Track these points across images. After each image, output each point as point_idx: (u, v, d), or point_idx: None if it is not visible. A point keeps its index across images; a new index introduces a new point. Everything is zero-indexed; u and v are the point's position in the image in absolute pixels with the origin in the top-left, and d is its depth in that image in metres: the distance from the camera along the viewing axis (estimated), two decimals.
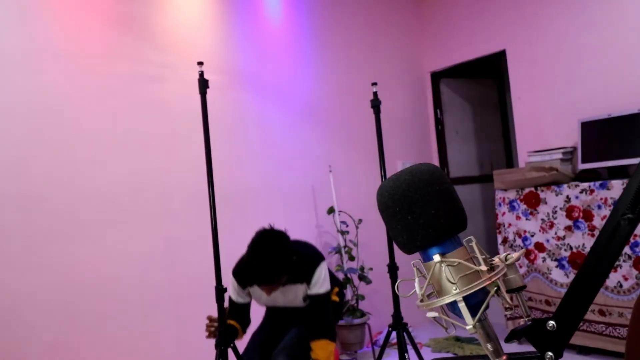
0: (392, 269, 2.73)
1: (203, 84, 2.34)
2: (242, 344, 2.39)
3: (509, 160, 5.28)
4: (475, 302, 0.67)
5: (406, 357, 2.59)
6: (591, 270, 0.72)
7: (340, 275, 3.74)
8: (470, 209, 4.77)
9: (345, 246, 3.72)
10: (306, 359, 2.28)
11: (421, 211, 0.68)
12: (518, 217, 3.51)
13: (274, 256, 2.12)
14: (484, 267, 0.67)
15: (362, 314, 3.65)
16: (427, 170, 0.71)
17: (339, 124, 4.02)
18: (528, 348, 0.75)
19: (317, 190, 3.81)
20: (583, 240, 3.14)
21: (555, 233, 3.27)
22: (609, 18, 3.43)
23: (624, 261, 2.93)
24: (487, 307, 0.67)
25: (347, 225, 3.79)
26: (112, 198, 2.84)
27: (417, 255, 0.72)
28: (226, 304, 2.34)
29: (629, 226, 0.70)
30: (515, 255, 0.74)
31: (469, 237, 0.70)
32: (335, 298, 2.49)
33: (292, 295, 2.34)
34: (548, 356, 0.72)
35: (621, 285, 2.95)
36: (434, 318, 0.69)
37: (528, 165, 3.62)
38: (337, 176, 3.84)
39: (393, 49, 4.51)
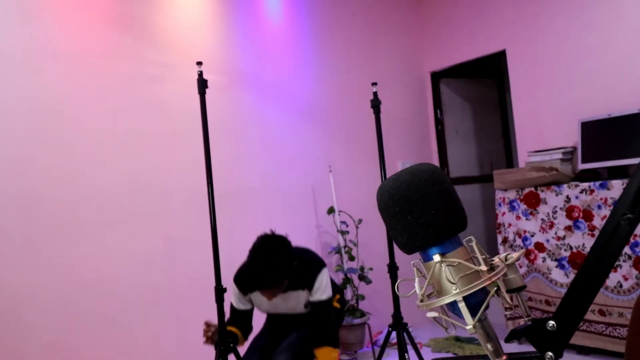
0: (392, 269, 2.73)
1: (202, 84, 2.34)
2: (242, 349, 2.39)
3: (509, 160, 5.28)
4: (475, 302, 0.67)
5: (406, 357, 2.59)
6: (591, 270, 0.72)
7: (340, 275, 3.74)
8: (470, 209, 4.77)
9: (345, 246, 3.72)
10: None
11: (421, 211, 0.68)
12: (518, 217, 3.51)
13: (275, 260, 2.12)
14: (484, 267, 0.67)
15: (362, 314, 3.65)
16: (427, 170, 0.71)
17: (339, 124, 4.02)
18: (528, 348, 0.75)
19: (317, 190, 3.81)
20: (583, 240, 3.14)
21: (555, 233, 3.27)
22: (609, 18, 3.43)
23: (624, 261, 2.93)
24: (487, 307, 0.67)
25: (347, 225, 3.79)
26: (112, 198, 2.84)
27: (417, 255, 0.72)
28: (227, 309, 2.34)
29: (629, 226, 0.70)
30: (515, 255, 0.74)
31: (469, 237, 0.70)
32: (336, 305, 2.49)
33: (293, 302, 2.32)
34: (548, 356, 0.72)
35: (621, 285, 2.95)
36: (434, 318, 0.69)
37: (528, 165, 3.62)
38: (337, 176, 3.84)
39: (393, 49, 4.51)
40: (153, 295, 2.92)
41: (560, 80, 3.71)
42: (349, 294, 3.70)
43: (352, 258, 3.68)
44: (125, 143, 2.92)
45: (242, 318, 2.40)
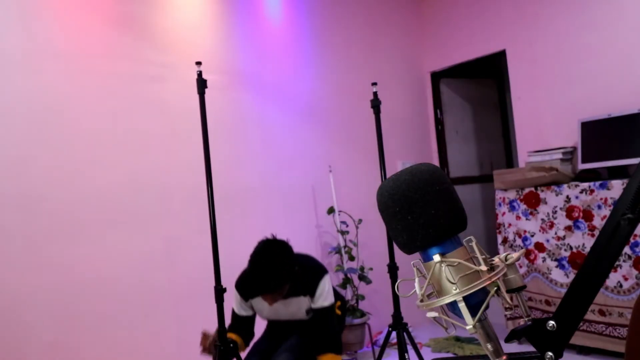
0: (392, 269, 2.73)
1: (201, 84, 2.34)
2: (242, 354, 2.38)
3: (509, 160, 5.28)
4: (475, 302, 0.67)
5: (406, 357, 2.59)
6: (591, 270, 0.72)
7: (340, 275, 3.74)
8: (470, 209, 4.77)
9: (345, 246, 3.72)
10: None
11: (421, 211, 0.68)
12: (518, 217, 3.51)
13: (276, 265, 2.12)
14: (484, 267, 0.67)
15: (362, 314, 3.65)
16: (427, 170, 0.71)
17: (339, 124, 4.02)
18: (528, 348, 0.75)
19: (317, 190, 3.81)
20: (583, 240, 3.14)
21: (555, 233, 3.27)
22: (609, 18, 3.43)
23: (624, 261, 2.93)
24: (487, 307, 0.67)
25: (347, 225, 3.79)
26: (112, 198, 2.84)
27: (417, 255, 0.72)
28: (227, 309, 2.33)
29: (629, 226, 0.70)
30: (515, 255, 0.74)
31: (469, 237, 0.70)
32: (337, 312, 2.48)
33: (294, 308, 2.32)
34: (548, 356, 0.72)
35: (621, 285, 2.95)
36: (434, 318, 0.69)
37: (528, 165, 3.62)
38: (337, 176, 3.84)
39: (393, 49, 4.51)
40: (153, 295, 2.92)
41: (560, 80, 3.71)
42: (349, 294, 3.70)
43: (352, 258, 3.68)
44: (125, 143, 2.92)
45: (243, 324, 2.39)
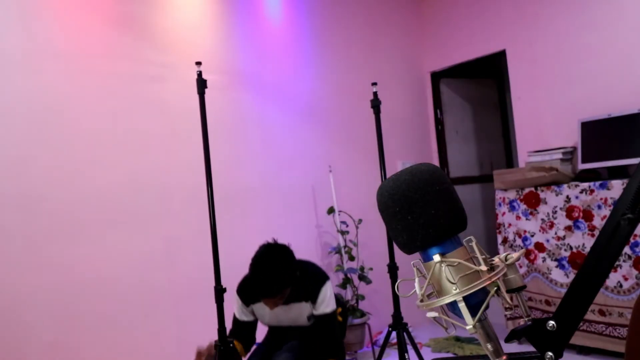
0: (392, 269, 2.73)
1: (201, 84, 2.34)
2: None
3: (509, 160, 5.28)
4: (475, 302, 0.67)
5: (406, 357, 2.59)
6: (591, 270, 0.72)
7: (340, 275, 3.74)
8: (470, 209, 4.77)
9: (345, 246, 3.72)
10: None
11: (421, 211, 0.68)
12: (518, 217, 3.51)
13: (277, 269, 2.12)
14: (484, 267, 0.67)
15: (362, 314, 3.65)
16: (427, 170, 0.71)
17: (339, 124, 4.02)
18: (528, 348, 0.75)
19: (317, 190, 3.81)
20: (583, 240, 3.14)
21: (555, 233, 3.27)
22: (609, 18, 3.43)
23: (624, 261, 2.93)
24: (487, 307, 0.67)
25: (347, 225, 3.79)
26: (112, 198, 2.84)
27: (417, 255, 0.72)
28: (227, 309, 2.33)
29: (629, 226, 0.70)
30: (515, 255, 0.74)
31: (469, 237, 0.70)
32: (339, 318, 2.48)
33: (296, 314, 2.31)
34: (548, 356, 0.72)
35: (621, 285, 2.95)
36: (434, 318, 0.69)
37: (528, 165, 3.62)
38: (337, 176, 3.84)
39: (393, 49, 4.51)
40: (153, 295, 2.92)
41: (560, 80, 3.71)
42: (349, 294, 3.70)
43: (352, 258, 3.68)
44: (125, 143, 2.92)
45: (244, 329, 2.38)
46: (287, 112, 3.72)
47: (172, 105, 3.12)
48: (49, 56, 2.71)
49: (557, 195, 3.27)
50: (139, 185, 2.94)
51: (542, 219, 3.35)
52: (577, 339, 3.13)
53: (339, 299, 2.54)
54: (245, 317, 2.38)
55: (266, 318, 2.37)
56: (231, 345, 2.22)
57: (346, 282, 3.68)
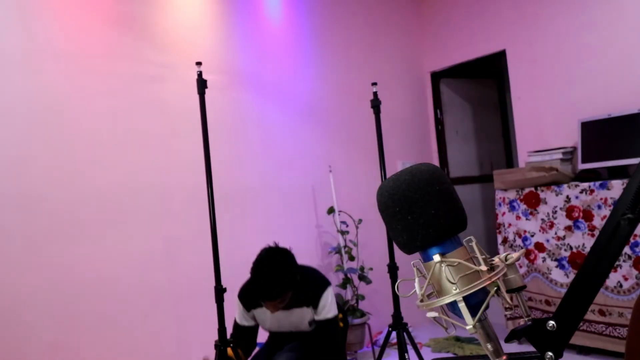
0: (392, 269, 2.73)
1: (201, 84, 2.34)
2: None
3: (509, 160, 5.28)
4: (475, 302, 0.67)
5: (406, 357, 2.59)
6: (591, 270, 0.72)
7: (340, 275, 3.74)
8: (470, 209, 4.77)
9: (345, 246, 3.72)
10: None
11: (421, 211, 0.68)
12: (518, 217, 3.51)
13: (279, 271, 2.12)
14: (484, 267, 0.67)
15: (362, 314, 3.65)
16: (427, 170, 0.71)
17: (339, 124, 4.02)
18: (528, 348, 0.75)
19: (317, 190, 3.81)
20: (583, 240, 3.14)
21: (555, 233, 3.27)
22: (609, 18, 3.43)
23: (624, 261, 2.93)
24: (487, 307, 0.67)
25: (347, 225, 3.79)
26: (112, 198, 2.84)
27: (417, 255, 0.72)
28: (227, 309, 2.33)
29: (629, 226, 0.70)
30: (515, 255, 0.74)
31: (469, 237, 0.70)
32: (340, 324, 2.48)
33: (297, 319, 2.31)
34: (548, 356, 0.72)
35: (621, 285, 2.95)
36: (434, 318, 0.69)
37: (528, 165, 3.62)
38: (337, 176, 3.84)
39: (393, 49, 4.51)
40: (153, 295, 2.92)
41: (560, 80, 3.71)
42: (349, 294, 3.70)
43: (352, 258, 3.68)
44: (125, 143, 2.92)
45: (245, 334, 2.38)
46: (287, 112, 3.72)
47: (172, 105, 3.12)
48: (49, 56, 2.71)
49: (557, 195, 3.27)
50: (139, 185, 2.94)
51: (542, 219, 3.35)
52: (577, 339, 3.13)
53: (339, 305, 2.54)
54: (246, 322, 2.38)
55: (267, 323, 2.37)
56: (231, 345, 2.21)
57: (346, 282, 3.68)
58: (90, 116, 2.82)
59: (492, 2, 4.15)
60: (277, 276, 2.11)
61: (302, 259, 2.40)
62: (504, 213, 3.61)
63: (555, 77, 3.74)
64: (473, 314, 0.66)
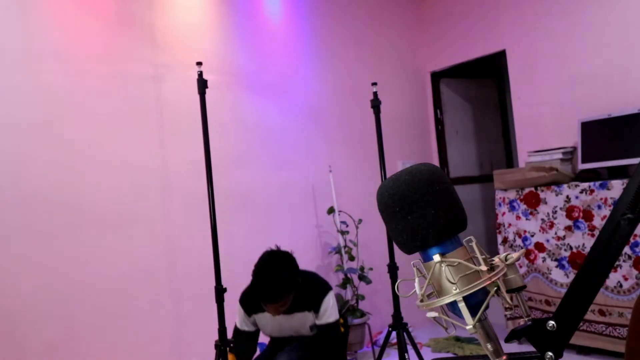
0: (392, 269, 2.73)
1: (202, 84, 2.34)
2: None
3: (509, 160, 5.28)
4: (475, 302, 0.67)
5: (406, 357, 2.59)
6: (591, 270, 0.72)
7: (340, 275, 3.74)
8: (470, 209, 4.77)
9: (345, 246, 3.72)
10: None
11: (421, 211, 0.68)
12: (518, 217, 3.51)
13: (280, 273, 2.12)
14: (484, 267, 0.67)
15: (362, 314, 3.65)
16: (427, 170, 0.71)
17: (339, 124, 4.02)
18: (528, 348, 0.75)
19: (317, 190, 3.81)
20: (583, 240, 3.14)
21: (555, 233, 3.27)
22: (609, 18, 3.43)
23: (624, 261, 2.93)
24: (487, 307, 0.67)
25: (347, 225, 3.79)
26: (112, 198, 2.84)
27: (417, 255, 0.72)
28: (227, 310, 2.33)
29: (629, 226, 0.70)
30: (515, 255, 0.74)
31: (469, 237, 0.70)
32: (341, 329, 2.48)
33: (298, 323, 2.31)
34: (548, 356, 0.72)
35: (621, 285, 2.95)
36: (434, 318, 0.69)
37: (528, 165, 3.62)
38: (337, 176, 3.84)
39: (393, 49, 4.51)
40: (153, 295, 2.92)
41: (560, 80, 3.71)
42: (349, 294, 3.70)
43: (352, 258, 3.68)
44: (125, 143, 2.92)
45: (245, 339, 2.38)
46: (287, 112, 3.72)
47: (172, 105, 3.12)
48: (49, 56, 2.71)
49: (557, 195, 3.27)
50: (139, 185, 2.94)
51: (542, 219, 3.35)
52: (577, 339, 3.13)
53: (339, 310, 2.54)
54: (246, 327, 2.37)
55: (268, 328, 2.37)
56: (231, 345, 2.21)
57: (346, 282, 3.68)
58: (90, 116, 2.82)
59: (492, 2, 4.15)
60: (279, 278, 2.11)
61: (302, 259, 2.40)
62: (504, 213, 3.61)
63: (555, 77, 3.74)
64: (473, 314, 0.66)
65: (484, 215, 4.98)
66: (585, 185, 3.13)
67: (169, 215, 3.04)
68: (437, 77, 4.76)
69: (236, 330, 2.39)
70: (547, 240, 3.33)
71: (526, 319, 0.75)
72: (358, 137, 4.08)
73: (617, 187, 2.98)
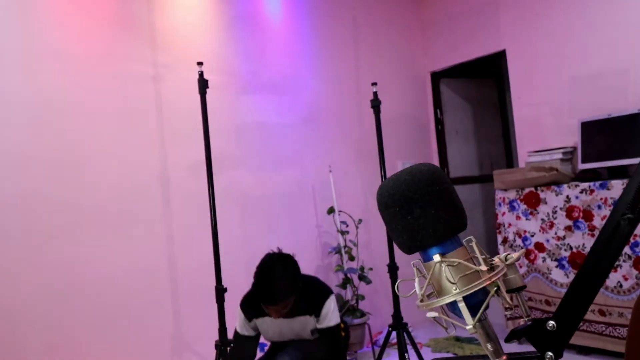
0: (392, 269, 2.73)
1: (203, 84, 2.34)
2: None
3: (509, 160, 5.28)
4: (475, 302, 0.67)
5: (406, 357, 2.59)
6: (591, 270, 0.72)
7: (340, 275, 3.74)
8: (470, 209, 4.77)
9: (345, 246, 3.72)
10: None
11: (421, 211, 0.68)
12: (518, 217, 3.51)
13: (282, 275, 2.12)
14: (484, 267, 0.67)
15: (362, 314, 3.65)
16: (427, 170, 0.71)
17: (339, 124, 4.02)
18: (528, 348, 0.75)
19: (317, 190, 3.81)
20: (583, 240, 3.14)
21: (555, 233, 3.27)
22: (610, 18, 3.43)
23: (624, 261, 2.93)
24: (487, 307, 0.67)
25: (347, 225, 3.78)
26: (112, 198, 2.84)
27: (417, 255, 0.72)
28: (227, 310, 2.33)
29: (629, 226, 0.70)
30: (515, 255, 0.74)
31: (469, 237, 0.70)
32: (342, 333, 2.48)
33: (299, 327, 2.31)
34: (548, 356, 0.72)
35: (621, 285, 2.95)
36: (434, 318, 0.69)
37: (528, 165, 3.62)
38: (337, 176, 3.84)
39: (393, 49, 4.51)
40: (153, 295, 2.92)
41: (560, 80, 3.71)
42: (349, 294, 3.70)
43: (352, 258, 3.68)
44: (125, 143, 2.92)
45: (245, 344, 2.37)
46: (287, 112, 3.72)
47: (172, 105, 3.12)
48: (49, 56, 2.71)
49: (557, 195, 3.27)
50: (139, 185, 2.94)
51: (542, 219, 3.35)
52: (577, 339, 3.13)
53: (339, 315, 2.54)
54: (247, 331, 2.37)
55: (269, 333, 2.37)
56: (231, 345, 2.21)
57: (346, 282, 3.68)
58: (90, 116, 2.82)
59: (492, 2, 4.15)
60: (281, 280, 2.11)
61: (302, 259, 2.40)
62: (504, 213, 3.61)
63: (555, 77, 3.74)
64: (473, 314, 0.66)
65: (484, 215, 4.98)
66: (585, 185, 3.13)
67: (169, 215, 3.04)
68: (437, 77, 4.76)
69: (236, 334, 2.39)
70: (547, 240, 3.33)
71: (526, 319, 0.75)
72: (358, 137, 4.08)
73: (617, 187, 2.98)
